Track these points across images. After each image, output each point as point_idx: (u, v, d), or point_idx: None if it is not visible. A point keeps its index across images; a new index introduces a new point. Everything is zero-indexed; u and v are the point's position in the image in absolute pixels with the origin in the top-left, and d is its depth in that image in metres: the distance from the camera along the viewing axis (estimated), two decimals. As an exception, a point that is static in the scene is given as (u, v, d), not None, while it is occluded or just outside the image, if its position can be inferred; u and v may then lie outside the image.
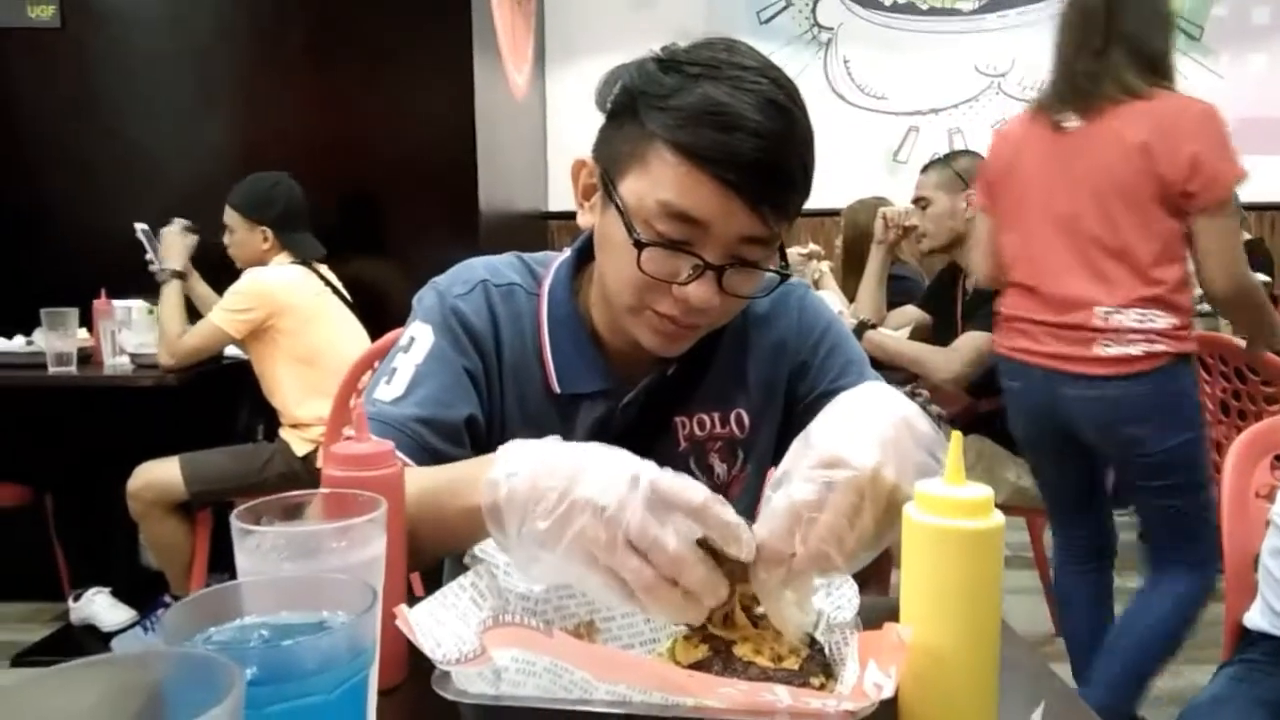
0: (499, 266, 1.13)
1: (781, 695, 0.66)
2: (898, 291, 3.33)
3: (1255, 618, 1.38)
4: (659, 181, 0.93)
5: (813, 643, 0.76)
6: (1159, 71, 2.08)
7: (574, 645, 0.69)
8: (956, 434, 0.67)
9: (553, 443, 0.78)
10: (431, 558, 0.94)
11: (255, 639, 0.55)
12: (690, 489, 0.71)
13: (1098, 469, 2.41)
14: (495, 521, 0.74)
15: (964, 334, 2.73)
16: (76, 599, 3.16)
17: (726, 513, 0.71)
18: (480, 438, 1.06)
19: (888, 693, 0.64)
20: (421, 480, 0.88)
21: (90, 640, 3.07)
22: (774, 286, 1.05)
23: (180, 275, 3.02)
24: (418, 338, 1.07)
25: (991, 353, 2.60)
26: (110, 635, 3.06)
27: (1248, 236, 4.26)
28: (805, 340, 1.15)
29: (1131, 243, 2.08)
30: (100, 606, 3.13)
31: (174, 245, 3.05)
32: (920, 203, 2.92)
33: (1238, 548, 1.50)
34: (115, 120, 3.57)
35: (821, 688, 0.74)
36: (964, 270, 2.92)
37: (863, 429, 0.75)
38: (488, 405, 1.08)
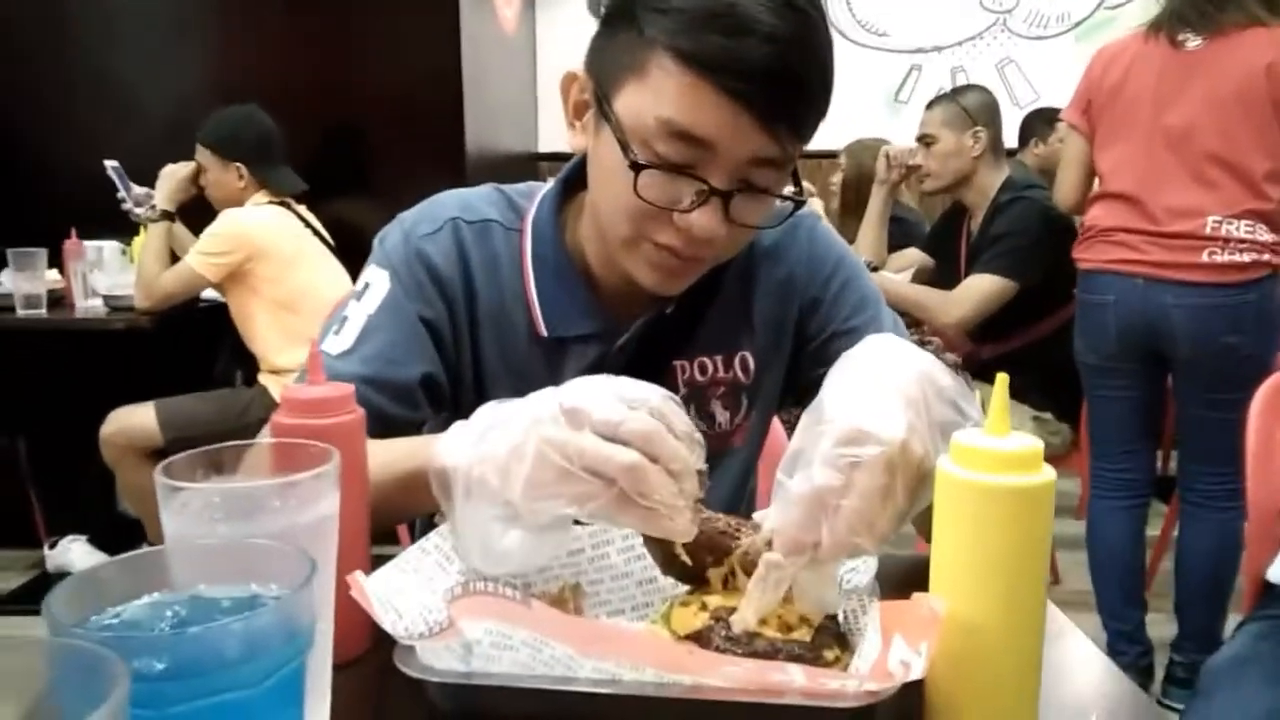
0: (473, 201, 1.02)
1: (794, 675, 0.57)
2: (897, 234, 3.23)
3: (1278, 572, 1.31)
4: (659, 95, 0.82)
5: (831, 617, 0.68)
6: (1275, 10, 2.17)
7: (555, 617, 0.60)
8: (1001, 377, 0.57)
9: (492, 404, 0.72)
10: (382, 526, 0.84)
11: (168, 618, 0.45)
12: (658, 391, 0.67)
13: (1163, 395, 2.43)
14: (443, 488, 0.69)
15: (970, 277, 2.63)
16: (53, 546, 3.09)
17: (687, 419, 0.67)
18: (442, 396, 0.97)
19: (917, 673, 0.55)
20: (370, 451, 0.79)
21: (68, 589, 3.00)
22: (786, 215, 0.94)
23: (170, 216, 2.89)
24: (372, 284, 0.97)
25: (998, 298, 2.52)
26: (88, 584, 2.99)
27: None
28: (816, 275, 1.05)
29: (1245, 157, 2.15)
30: (77, 554, 3.05)
31: (170, 185, 2.91)
32: (925, 140, 2.78)
33: (1263, 498, 1.43)
34: (85, 55, 3.41)
35: (836, 662, 0.65)
36: (968, 211, 2.81)
37: (883, 394, 0.64)
38: (457, 357, 0.99)
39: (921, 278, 2.96)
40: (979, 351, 2.76)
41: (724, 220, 0.85)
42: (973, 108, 2.73)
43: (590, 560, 0.79)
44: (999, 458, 0.56)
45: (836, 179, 3.48)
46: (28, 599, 2.94)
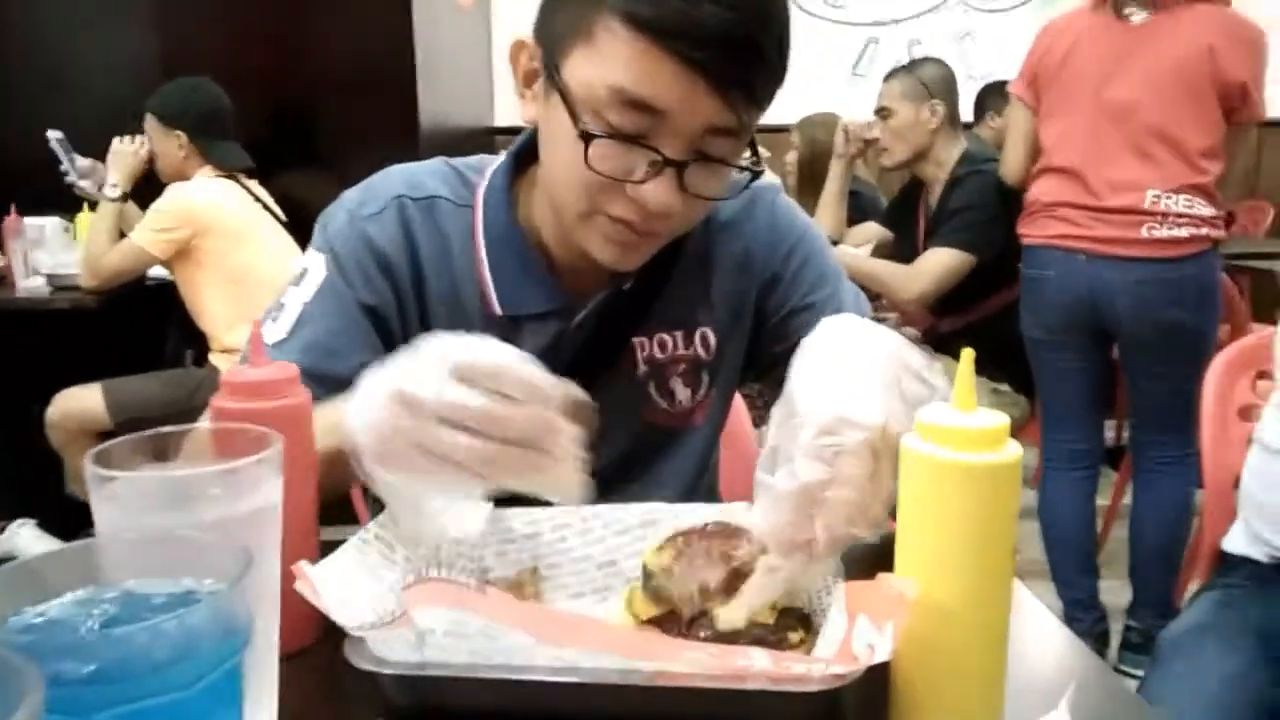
0: (421, 177, 0.98)
1: (757, 659, 0.56)
2: (854, 208, 3.22)
3: (1236, 541, 1.32)
4: (609, 62, 0.79)
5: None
6: None
7: (511, 604, 0.58)
8: (967, 352, 0.56)
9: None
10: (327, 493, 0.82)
11: (95, 616, 0.43)
12: (494, 351, 0.64)
13: (1109, 367, 2.45)
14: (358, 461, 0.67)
15: (928, 251, 2.62)
16: (1, 531, 3.01)
17: (533, 371, 0.64)
18: None
19: (883, 655, 0.54)
20: None
21: (17, 575, 2.93)
22: (744, 185, 0.91)
23: (125, 198, 2.80)
24: (310, 269, 0.93)
25: (957, 271, 2.52)
26: (38, 570, 2.92)
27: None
28: (776, 251, 1.03)
29: (1186, 133, 2.19)
30: (26, 539, 2.97)
31: (129, 164, 2.83)
32: (882, 114, 2.75)
33: (1218, 467, 1.44)
34: (22, 23, 3.28)
35: (800, 644, 0.64)
36: (926, 185, 2.80)
37: (854, 379, 0.62)
38: (404, 342, 0.94)
39: (881, 252, 2.95)
40: (938, 325, 2.77)
41: (679, 191, 0.82)
42: (930, 80, 2.71)
43: (549, 544, 0.77)
44: (965, 435, 0.54)
45: (791, 157, 3.46)
46: (-25, 586, 2.88)
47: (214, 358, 2.79)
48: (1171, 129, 2.19)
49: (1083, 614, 2.47)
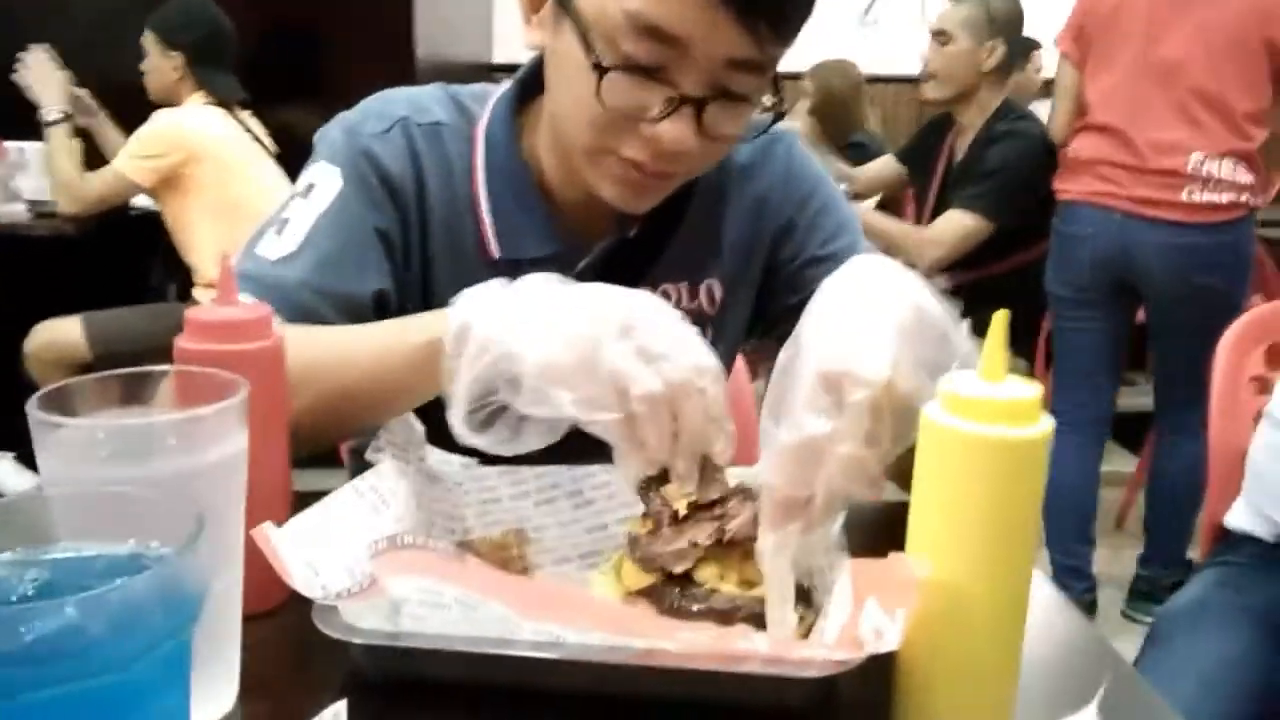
0: (423, 100, 0.92)
1: (757, 642, 0.52)
2: (858, 159, 3.15)
3: (1238, 518, 1.29)
4: None
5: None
6: None
7: (490, 574, 0.54)
8: (999, 316, 0.51)
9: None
10: (363, 423, 0.77)
11: (27, 582, 0.38)
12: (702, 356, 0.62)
13: (1130, 330, 2.46)
14: (458, 342, 0.63)
15: (950, 213, 2.50)
16: (-21, 463, 2.97)
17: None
18: (394, 312, 0.87)
19: (891, 643, 0.50)
20: (341, 337, 0.76)
21: (-4, 506, 2.90)
22: (765, 127, 0.85)
23: (67, 116, 2.70)
24: (319, 183, 0.87)
25: (975, 237, 2.44)
26: (17, 501, 2.89)
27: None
28: (792, 196, 0.97)
29: (1232, 96, 2.16)
30: (4, 471, 2.93)
31: (52, 80, 2.71)
32: (940, 38, 2.55)
33: (1225, 441, 1.41)
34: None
35: (800, 621, 0.60)
36: (956, 126, 2.65)
37: (867, 327, 0.58)
38: (405, 272, 0.89)
39: (891, 187, 2.85)
40: (936, 280, 2.72)
41: (696, 130, 0.77)
42: (999, 16, 2.51)
43: (536, 505, 0.73)
44: (993, 406, 0.50)
45: (801, 106, 3.37)
46: (-48, 515, 2.85)
47: (198, 292, 2.72)
48: (1219, 91, 2.15)
49: (1073, 581, 2.48)
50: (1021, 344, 2.58)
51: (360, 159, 0.87)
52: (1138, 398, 4.16)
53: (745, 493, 0.62)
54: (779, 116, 0.84)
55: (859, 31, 4.37)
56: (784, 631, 0.58)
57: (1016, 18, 2.57)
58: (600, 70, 0.74)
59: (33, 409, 0.49)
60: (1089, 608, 2.49)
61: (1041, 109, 2.72)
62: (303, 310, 0.81)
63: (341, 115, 0.91)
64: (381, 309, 0.86)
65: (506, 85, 0.93)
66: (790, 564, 0.59)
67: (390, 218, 0.88)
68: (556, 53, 0.80)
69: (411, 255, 0.90)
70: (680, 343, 0.62)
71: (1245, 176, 2.18)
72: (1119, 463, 3.53)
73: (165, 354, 2.29)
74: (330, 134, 0.90)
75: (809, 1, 0.77)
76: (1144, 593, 2.51)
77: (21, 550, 0.41)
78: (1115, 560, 2.82)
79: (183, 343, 0.62)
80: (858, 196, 2.69)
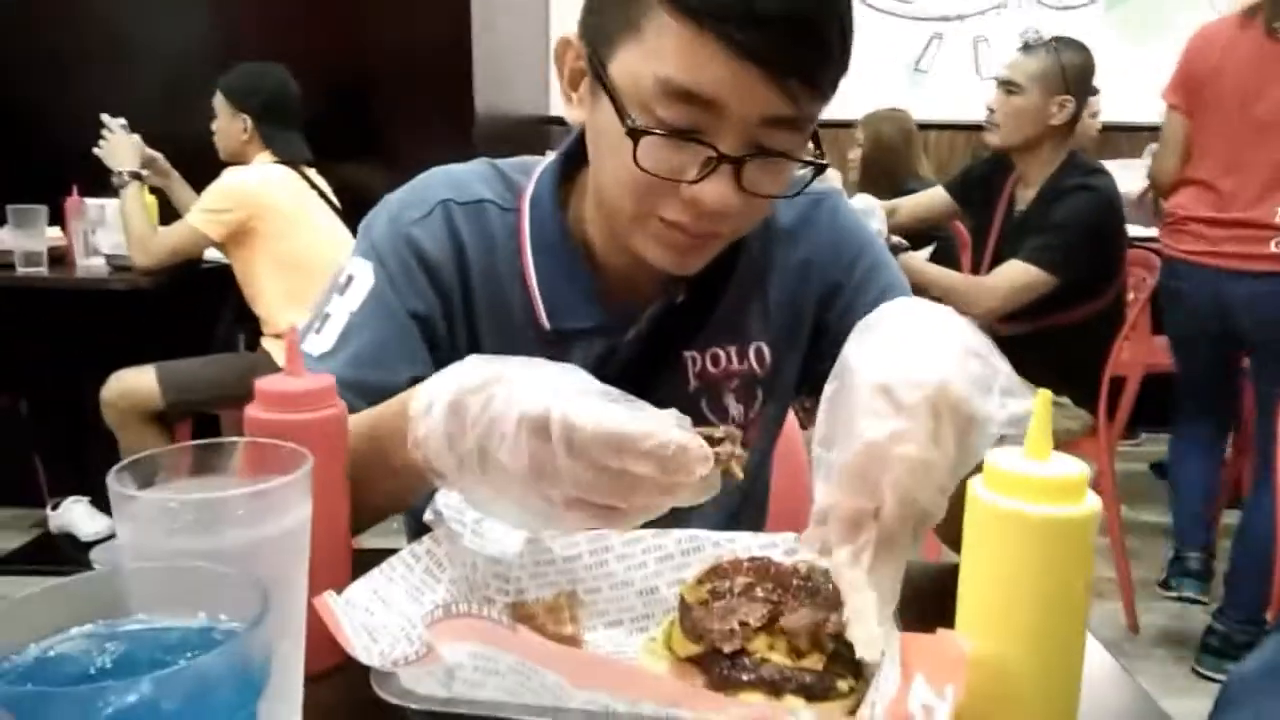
0: (464, 179, 0.94)
1: (804, 717, 0.52)
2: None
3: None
4: (657, 53, 0.74)
5: (839, 635, 0.63)
6: None
7: (544, 644, 0.55)
8: (1044, 394, 0.51)
9: (476, 360, 0.65)
10: (371, 517, 0.78)
11: (106, 652, 0.40)
12: (599, 424, 0.58)
13: (1238, 363, 2.62)
14: (421, 448, 0.64)
15: (1010, 264, 2.42)
16: (55, 507, 3.07)
17: (650, 441, 0.58)
18: None
19: None
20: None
21: (70, 549, 2.98)
22: (806, 183, 0.84)
23: (137, 176, 2.82)
24: (356, 276, 0.89)
25: (1034, 290, 2.38)
26: (90, 544, 2.97)
27: None
28: (839, 259, 0.97)
29: None
30: (79, 515, 3.03)
31: (123, 146, 2.84)
32: (1008, 87, 2.50)
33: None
34: (88, 5, 3.32)
35: (850, 693, 0.60)
36: (1020, 176, 2.58)
37: (913, 339, 0.61)
38: (452, 353, 0.89)
39: (938, 218, 2.80)
40: (995, 327, 2.66)
41: (737, 190, 0.77)
42: (1071, 70, 2.45)
43: (588, 568, 0.74)
44: (1039, 485, 0.50)
45: (854, 154, 3.38)
46: (30, 559, 2.94)
47: (266, 342, 2.81)
48: None
49: (1194, 551, 2.74)
50: (1084, 397, 2.52)
51: (402, 246, 0.89)
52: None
53: (808, 583, 0.62)
54: (820, 170, 0.83)
55: (911, 79, 4.39)
56: (871, 650, 0.57)
57: (1089, 72, 2.52)
58: (636, 135, 0.75)
59: (112, 481, 0.52)
60: (1202, 577, 2.77)
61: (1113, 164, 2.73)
62: None
63: (386, 200, 0.94)
64: None
65: (550, 158, 0.95)
66: (868, 578, 0.58)
67: (431, 303, 0.89)
68: (596, 125, 0.82)
69: (458, 333, 0.91)
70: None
71: None
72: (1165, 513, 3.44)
73: (233, 401, 2.37)
74: (375, 223, 0.92)
75: (844, 56, 0.77)
76: (1216, 649, 2.45)
77: (100, 623, 0.43)
78: (1169, 611, 2.75)
79: (252, 411, 0.64)
80: (898, 232, 2.64)
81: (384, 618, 0.60)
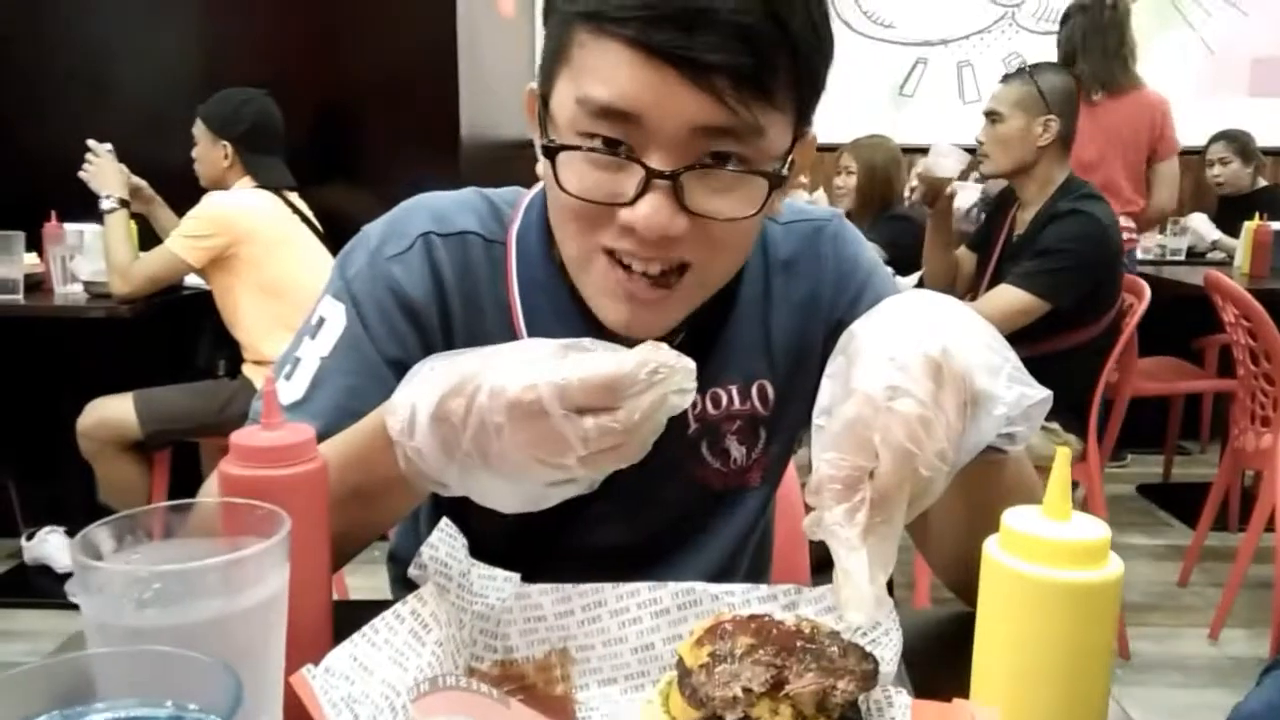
0: (447, 209, 0.88)
1: (813, 796, 0.49)
2: (896, 233, 3.14)
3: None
4: (580, 75, 0.70)
5: (848, 702, 0.60)
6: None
7: (536, 718, 0.52)
8: (1063, 451, 0.49)
9: (438, 364, 0.64)
10: (354, 547, 0.76)
11: (61, 755, 0.37)
12: (597, 365, 0.59)
13: None
14: (417, 462, 0.63)
15: (1001, 288, 2.42)
16: (30, 538, 3.01)
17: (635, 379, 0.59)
18: None
19: (958, 797, 0.47)
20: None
21: (45, 581, 2.92)
22: (763, 200, 0.74)
23: (125, 203, 2.78)
24: (327, 319, 0.84)
25: (1026, 315, 2.37)
26: (66, 576, 2.90)
27: (1264, 183, 4.13)
28: (843, 291, 0.93)
29: (1120, 180, 3.28)
30: (54, 547, 2.97)
31: (110, 172, 2.80)
32: (991, 118, 2.55)
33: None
34: (65, 31, 3.29)
35: (857, 760, 0.58)
36: (1018, 202, 2.62)
37: (917, 317, 0.62)
38: None
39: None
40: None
41: (677, 210, 0.71)
42: (1050, 92, 2.49)
43: (580, 624, 0.71)
44: (1060, 549, 0.48)
45: (842, 180, 3.38)
46: (5, 591, 2.88)
47: (248, 369, 2.77)
48: (1112, 178, 3.22)
49: None
50: (1072, 421, 2.51)
51: (380, 287, 0.84)
52: (1193, 467, 4.07)
53: (812, 646, 0.60)
54: (778, 182, 0.75)
55: (895, 103, 4.41)
56: (859, 612, 0.57)
57: (1070, 92, 2.55)
58: (552, 152, 0.72)
59: (74, 549, 0.49)
60: None
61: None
62: None
63: (365, 233, 0.88)
64: None
65: (538, 188, 0.89)
66: (861, 538, 0.57)
67: (410, 346, 0.84)
68: (542, 163, 0.77)
69: None
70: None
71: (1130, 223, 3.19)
72: (1172, 535, 3.44)
73: (212, 430, 2.32)
74: (352, 258, 0.87)
75: (791, 55, 0.70)
76: None
77: (59, 714, 0.40)
78: (1159, 636, 2.73)
79: (226, 467, 0.61)
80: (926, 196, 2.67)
81: (365, 686, 0.56)
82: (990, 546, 0.50)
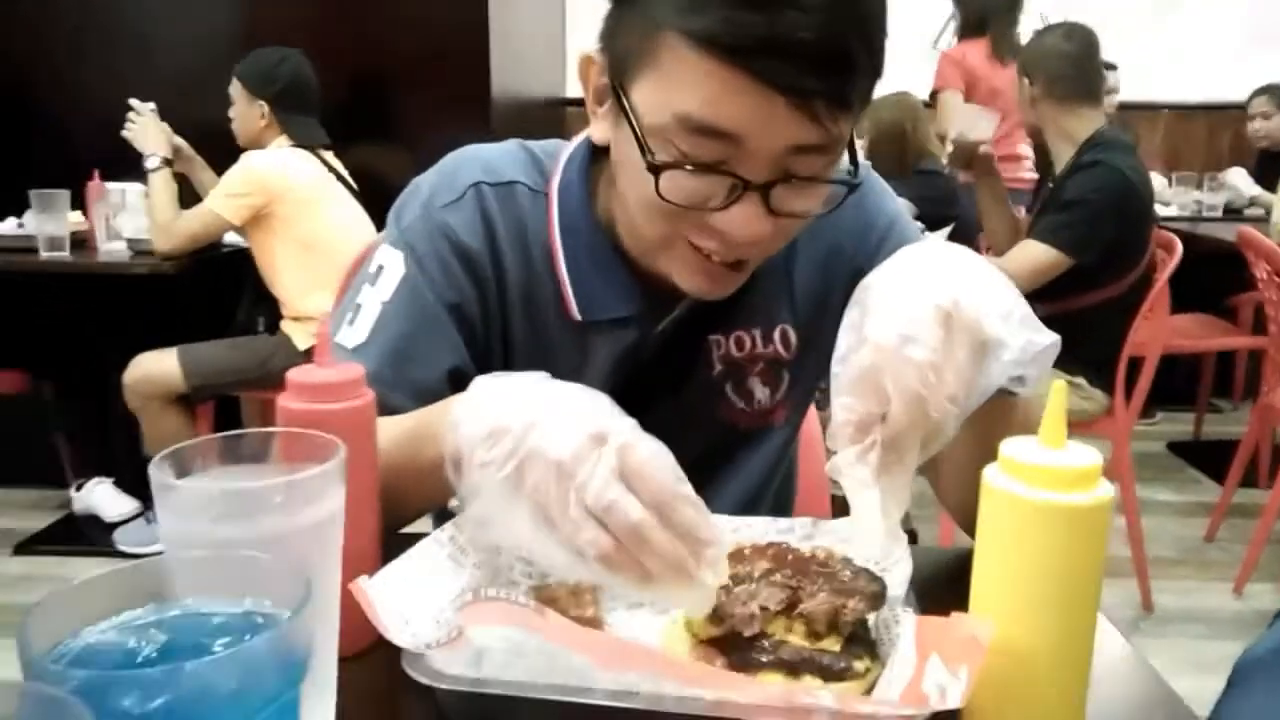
0: (495, 160, 0.92)
1: (823, 698, 0.54)
2: (926, 188, 3.13)
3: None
4: (675, 86, 0.72)
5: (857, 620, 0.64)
6: None
7: (570, 627, 0.57)
8: (1059, 385, 0.52)
9: (531, 377, 0.64)
10: (406, 517, 0.80)
11: (152, 639, 0.42)
12: (663, 469, 0.58)
13: None
14: (455, 470, 0.62)
15: (1026, 243, 2.44)
16: (79, 489, 3.11)
17: (691, 509, 0.58)
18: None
19: (955, 701, 0.52)
20: (386, 431, 0.74)
21: (94, 530, 3.02)
22: (840, 199, 0.80)
23: (169, 162, 2.84)
24: (386, 266, 0.88)
25: (1050, 271, 2.38)
26: (114, 525, 3.01)
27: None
28: (866, 241, 0.96)
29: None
30: (102, 496, 3.07)
31: (153, 131, 2.85)
32: (1020, 76, 2.64)
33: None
34: (108, -8, 3.35)
35: (866, 673, 0.62)
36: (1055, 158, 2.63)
37: (929, 266, 0.65)
38: (486, 341, 0.90)
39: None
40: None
41: (765, 214, 0.75)
42: (1026, 56, 2.57)
43: (610, 552, 0.75)
44: (1053, 474, 0.51)
45: (860, 143, 3.38)
46: (55, 539, 2.99)
47: (286, 325, 2.84)
48: None
49: None
50: (1100, 377, 2.52)
51: (436, 234, 0.88)
52: (1224, 425, 4.06)
53: (825, 569, 0.64)
54: (852, 189, 0.80)
55: (927, 58, 4.35)
56: (874, 545, 0.61)
57: (1054, 51, 2.56)
58: (657, 170, 0.74)
59: (154, 470, 0.54)
60: None
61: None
62: (378, 400, 0.83)
63: (416, 184, 0.92)
64: (458, 384, 0.87)
65: (578, 141, 0.92)
66: (872, 478, 0.61)
67: (467, 291, 0.88)
68: (619, 147, 0.80)
69: (492, 321, 0.90)
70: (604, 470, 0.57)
71: None
72: (1201, 492, 3.45)
73: (254, 384, 2.38)
74: (406, 210, 0.91)
75: (873, 72, 0.74)
76: None
77: (149, 609, 0.45)
78: (1184, 590, 2.76)
79: (283, 401, 0.66)
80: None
81: (414, 601, 0.62)
82: (990, 473, 0.54)
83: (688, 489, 0.59)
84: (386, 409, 0.83)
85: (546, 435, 0.58)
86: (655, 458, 0.58)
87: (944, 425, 0.62)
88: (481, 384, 0.64)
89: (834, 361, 0.66)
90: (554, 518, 0.57)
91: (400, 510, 0.75)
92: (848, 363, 0.64)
